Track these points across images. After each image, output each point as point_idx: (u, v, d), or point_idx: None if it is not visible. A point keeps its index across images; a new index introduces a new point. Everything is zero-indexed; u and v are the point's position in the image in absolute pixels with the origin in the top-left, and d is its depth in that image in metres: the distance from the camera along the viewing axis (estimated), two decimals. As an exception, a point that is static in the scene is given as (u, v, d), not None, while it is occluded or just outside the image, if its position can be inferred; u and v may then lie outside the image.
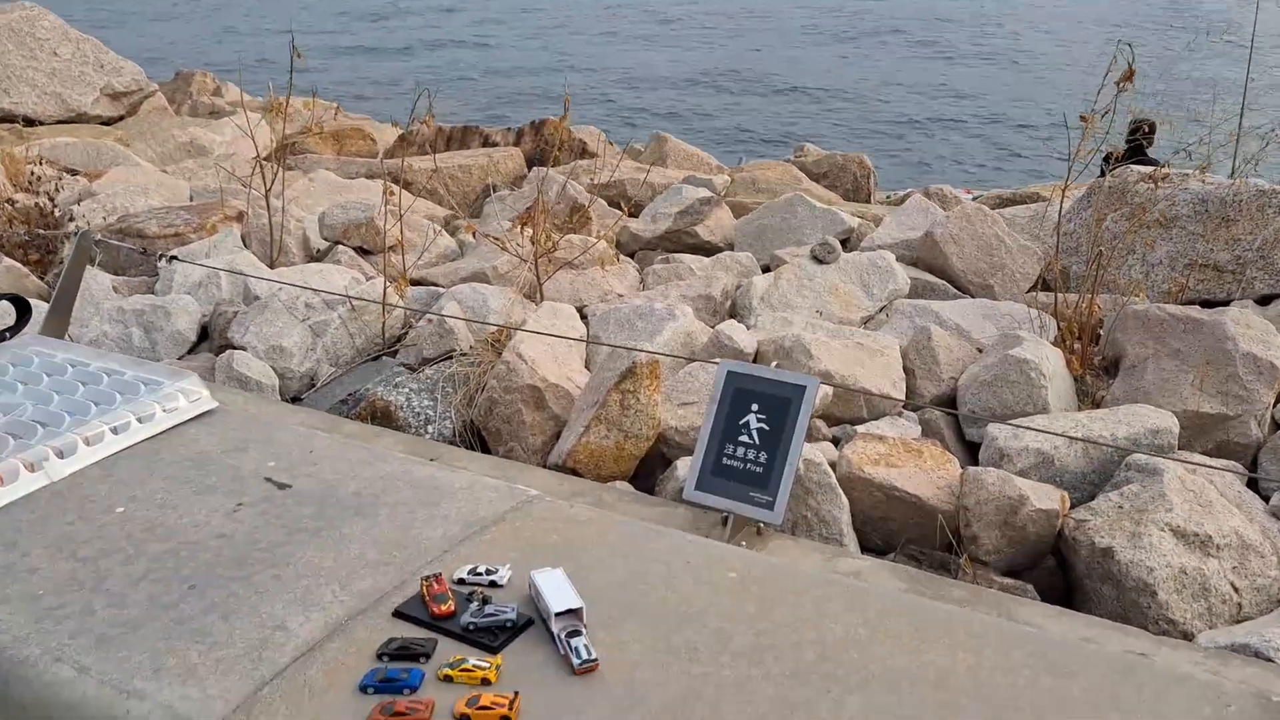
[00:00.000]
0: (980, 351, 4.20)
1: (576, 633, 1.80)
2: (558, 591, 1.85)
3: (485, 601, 1.90)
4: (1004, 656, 1.73)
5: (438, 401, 4.13)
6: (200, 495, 2.34)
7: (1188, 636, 2.76)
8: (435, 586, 1.93)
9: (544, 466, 3.71)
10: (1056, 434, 3.15)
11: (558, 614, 1.82)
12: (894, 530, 3.35)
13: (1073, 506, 3.22)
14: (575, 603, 1.82)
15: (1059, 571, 3.30)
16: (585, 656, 1.74)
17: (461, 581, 2.00)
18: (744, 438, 3.13)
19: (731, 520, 2.79)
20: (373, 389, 4.16)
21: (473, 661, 1.75)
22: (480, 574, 2.00)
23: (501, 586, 1.98)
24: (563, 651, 1.77)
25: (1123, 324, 4.02)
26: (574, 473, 3.65)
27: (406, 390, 4.15)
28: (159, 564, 2.10)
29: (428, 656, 1.79)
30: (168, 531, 2.21)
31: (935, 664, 1.72)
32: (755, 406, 3.13)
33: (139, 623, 1.94)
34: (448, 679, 1.73)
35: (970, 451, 3.77)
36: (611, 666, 1.75)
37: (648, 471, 3.83)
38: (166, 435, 2.59)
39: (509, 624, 1.84)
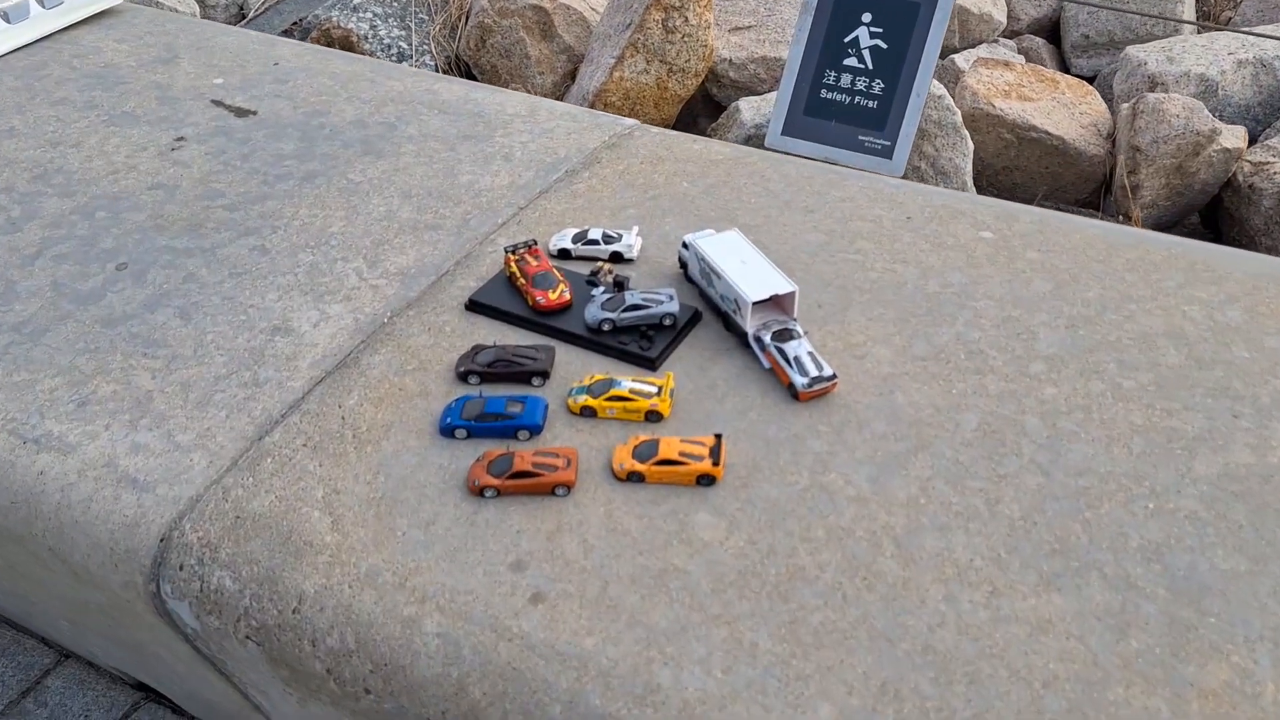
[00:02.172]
0: (1093, -36, 3.35)
1: (789, 333, 1.08)
2: (745, 268, 1.11)
3: (620, 285, 1.16)
4: None
5: (411, 31, 3.20)
6: (115, 126, 1.51)
7: None
8: (532, 263, 1.18)
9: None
10: (1264, 35, 2.40)
11: (756, 304, 1.10)
12: (1017, 184, 2.65)
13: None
14: (784, 285, 1.09)
15: (1202, 228, 2.71)
16: (816, 373, 1.04)
17: (564, 254, 1.25)
18: (851, 60, 2.36)
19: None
20: (325, 14, 3.21)
21: (628, 385, 1.03)
22: (596, 241, 1.24)
23: (630, 260, 1.24)
24: (768, 365, 1.07)
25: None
26: (603, 116, 2.84)
27: (370, 15, 3.20)
28: (63, 230, 1.31)
29: (545, 376, 1.07)
30: (70, 180, 1.40)
31: (1379, 373, 1.06)
32: (868, 17, 2.34)
33: (42, 325, 1.18)
34: (588, 412, 1.03)
35: (1089, 87, 3.02)
36: (853, 387, 1.06)
37: (689, 120, 3.03)
38: (51, 41, 1.71)
39: (668, 319, 1.12)
